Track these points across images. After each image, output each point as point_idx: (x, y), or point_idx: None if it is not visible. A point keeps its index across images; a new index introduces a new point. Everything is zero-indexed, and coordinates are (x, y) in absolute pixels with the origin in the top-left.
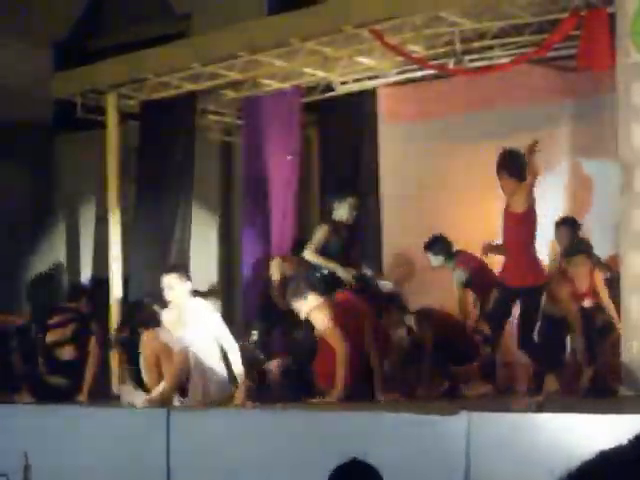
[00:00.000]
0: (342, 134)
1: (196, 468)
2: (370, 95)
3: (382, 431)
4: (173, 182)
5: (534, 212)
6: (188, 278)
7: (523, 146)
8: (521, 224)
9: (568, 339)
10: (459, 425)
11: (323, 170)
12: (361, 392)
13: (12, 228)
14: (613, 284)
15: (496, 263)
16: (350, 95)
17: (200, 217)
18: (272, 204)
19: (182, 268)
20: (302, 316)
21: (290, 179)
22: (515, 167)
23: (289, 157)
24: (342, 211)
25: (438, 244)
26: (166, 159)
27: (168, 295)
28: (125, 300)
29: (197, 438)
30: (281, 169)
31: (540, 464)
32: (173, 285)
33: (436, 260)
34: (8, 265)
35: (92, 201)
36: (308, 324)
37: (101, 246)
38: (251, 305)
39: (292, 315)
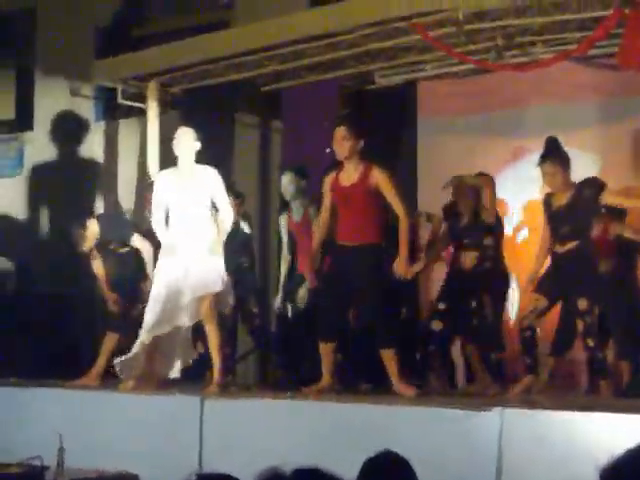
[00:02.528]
0: (381, 127)
1: (228, 456)
2: (410, 88)
3: (413, 425)
4: None
5: None
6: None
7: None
8: None
9: None
10: (492, 421)
11: None
12: None
13: None
14: None
15: None
16: (390, 88)
17: None
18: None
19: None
20: None
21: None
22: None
23: (327, 150)
24: None
25: None
26: (206, 147)
27: (176, 149)
28: None
29: (230, 427)
30: (320, 161)
31: (576, 463)
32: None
33: None
34: None
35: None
36: None
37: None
38: None
39: None
